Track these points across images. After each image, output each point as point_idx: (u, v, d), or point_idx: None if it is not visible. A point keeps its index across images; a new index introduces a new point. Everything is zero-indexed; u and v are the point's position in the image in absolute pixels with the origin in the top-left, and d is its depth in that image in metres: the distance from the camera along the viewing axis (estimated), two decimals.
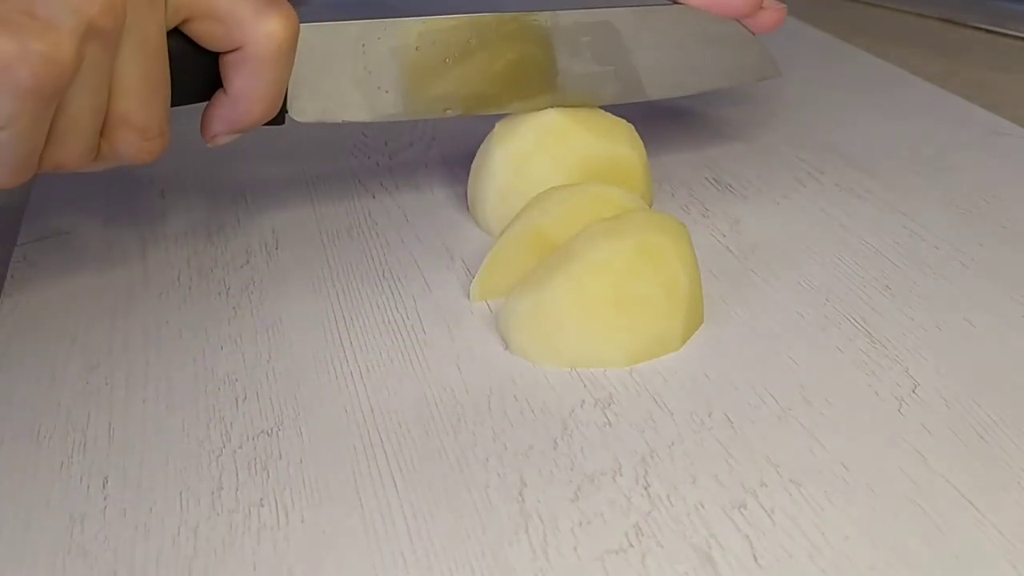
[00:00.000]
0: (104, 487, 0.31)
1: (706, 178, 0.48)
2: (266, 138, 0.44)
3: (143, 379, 0.36)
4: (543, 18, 0.42)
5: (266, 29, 0.34)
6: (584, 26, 0.42)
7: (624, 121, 0.44)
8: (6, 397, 0.35)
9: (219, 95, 0.37)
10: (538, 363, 0.35)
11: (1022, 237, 0.42)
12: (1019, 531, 0.28)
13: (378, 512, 0.29)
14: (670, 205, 0.46)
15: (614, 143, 0.43)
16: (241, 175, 0.50)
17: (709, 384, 0.34)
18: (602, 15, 0.42)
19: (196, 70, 0.36)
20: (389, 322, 0.38)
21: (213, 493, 0.30)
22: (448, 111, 0.42)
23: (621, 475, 0.30)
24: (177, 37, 0.35)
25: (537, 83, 0.43)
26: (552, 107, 0.43)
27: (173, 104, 0.35)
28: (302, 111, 0.40)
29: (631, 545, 0.28)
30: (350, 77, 0.40)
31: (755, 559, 0.27)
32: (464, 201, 0.46)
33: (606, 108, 0.44)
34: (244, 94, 0.36)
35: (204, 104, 0.38)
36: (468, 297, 0.39)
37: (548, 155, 0.42)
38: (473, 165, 0.44)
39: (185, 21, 0.34)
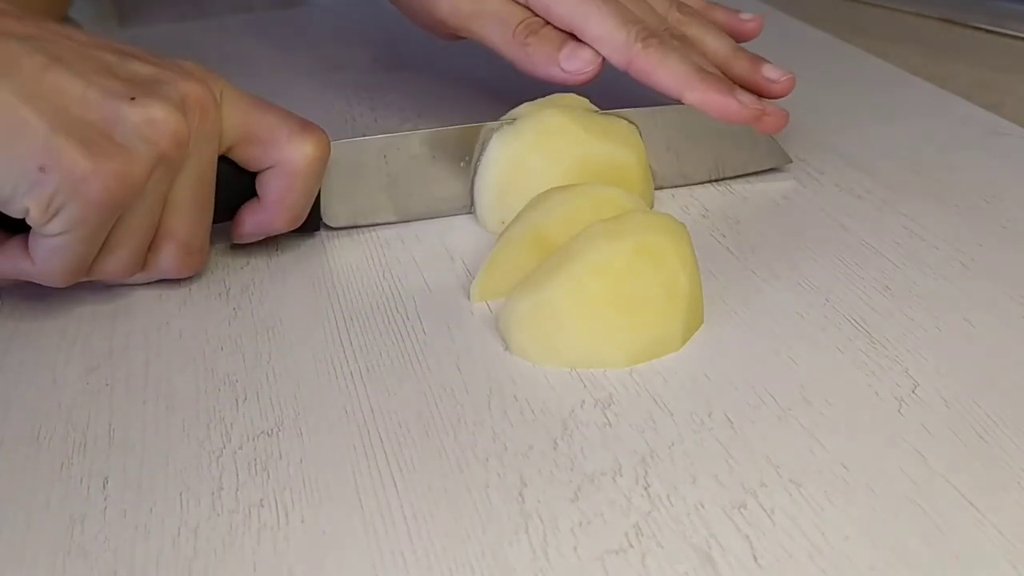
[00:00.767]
0: (104, 488, 0.31)
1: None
2: None
3: (143, 380, 0.36)
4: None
5: (301, 150, 0.39)
6: None
7: (624, 121, 0.44)
8: (6, 397, 0.35)
9: (253, 201, 0.41)
10: (538, 363, 0.35)
11: (1022, 237, 0.42)
12: (1019, 531, 0.28)
13: (378, 512, 0.29)
14: (670, 205, 0.46)
15: (612, 144, 0.43)
16: None
17: (709, 384, 0.34)
18: (613, 115, 0.45)
19: (234, 191, 0.40)
20: (389, 322, 0.38)
21: (213, 493, 0.30)
22: (470, 208, 0.45)
23: (621, 475, 0.30)
24: (221, 161, 0.39)
25: None
26: None
27: (213, 221, 0.40)
28: (335, 217, 0.44)
29: (631, 545, 0.28)
30: (376, 184, 0.44)
31: (755, 559, 0.27)
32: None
33: (608, 110, 0.45)
34: (276, 201, 0.40)
35: None
36: (468, 297, 0.39)
37: (546, 155, 0.42)
38: (473, 164, 0.44)
39: (231, 147, 0.39)
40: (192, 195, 0.38)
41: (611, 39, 0.44)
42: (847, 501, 0.29)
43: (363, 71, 0.64)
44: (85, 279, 0.37)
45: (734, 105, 0.43)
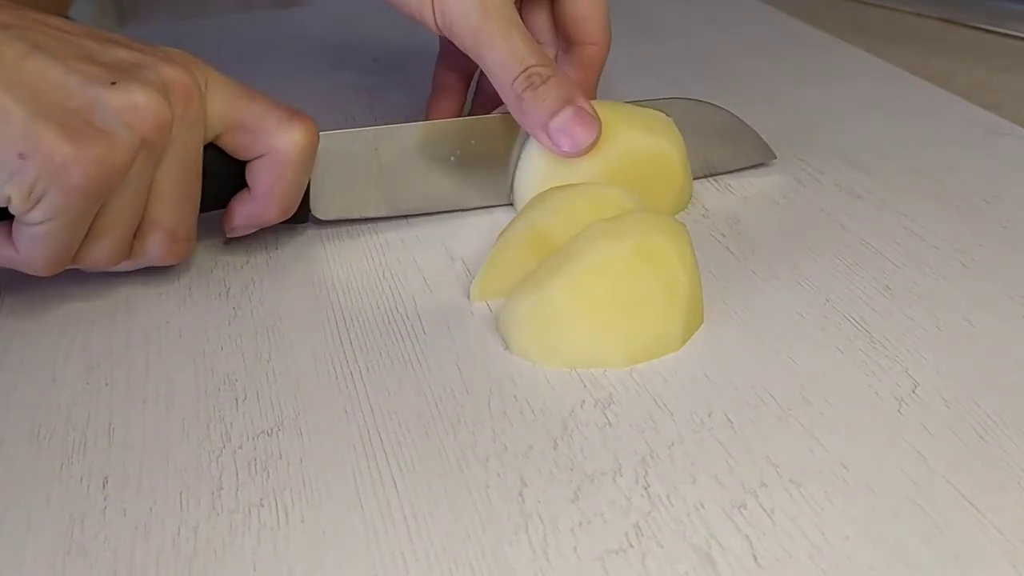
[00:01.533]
0: (104, 487, 0.31)
1: (706, 178, 0.48)
2: None
3: (143, 379, 0.36)
4: None
5: (289, 138, 0.38)
6: None
7: (662, 114, 0.44)
8: (6, 397, 0.35)
9: (243, 193, 0.40)
10: (538, 363, 0.35)
11: (1022, 237, 0.42)
12: (1019, 531, 0.28)
13: (378, 512, 0.29)
14: None
15: (654, 136, 0.43)
16: None
17: (709, 384, 0.34)
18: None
19: (223, 180, 0.40)
20: (389, 322, 0.38)
21: (213, 493, 0.30)
22: (460, 203, 0.45)
23: (621, 475, 0.30)
24: (208, 149, 0.38)
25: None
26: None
27: (201, 210, 0.39)
28: (324, 210, 0.43)
29: (631, 545, 0.28)
30: (366, 176, 0.43)
31: (755, 559, 0.27)
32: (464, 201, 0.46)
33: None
34: (266, 193, 0.40)
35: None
36: (468, 297, 0.39)
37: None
38: (514, 157, 0.44)
39: (218, 135, 0.38)
40: (177, 182, 0.37)
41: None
42: (847, 501, 0.29)
43: (363, 71, 0.64)
44: (71, 267, 0.37)
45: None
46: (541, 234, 0.38)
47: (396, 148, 0.43)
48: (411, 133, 0.43)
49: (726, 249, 0.42)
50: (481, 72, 0.47)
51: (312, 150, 0.39)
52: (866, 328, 0.37)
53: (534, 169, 0.43)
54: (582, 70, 0.46)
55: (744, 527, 0.28)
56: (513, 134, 0.44)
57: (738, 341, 0.36)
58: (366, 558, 0.28)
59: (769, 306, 0.38)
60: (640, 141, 0.42)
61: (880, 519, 0.28)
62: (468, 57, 0.43)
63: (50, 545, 0.29)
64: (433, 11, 0.42)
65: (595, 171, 0.41)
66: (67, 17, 0.81)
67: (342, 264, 0.42)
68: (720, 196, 0.46)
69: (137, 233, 0.38)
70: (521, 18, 0.43)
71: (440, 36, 0.48)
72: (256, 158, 0.39)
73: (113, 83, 0.34)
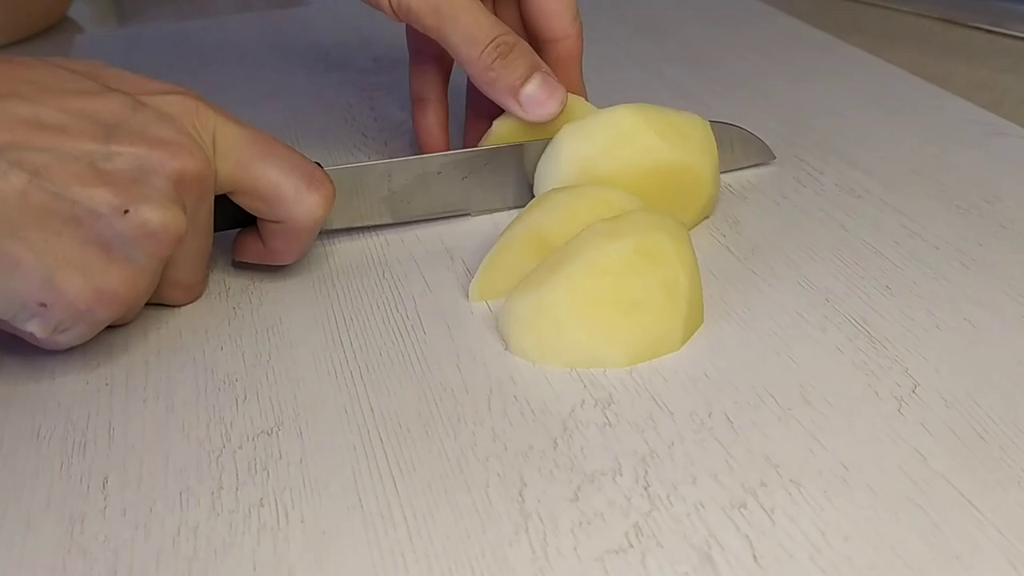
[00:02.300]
0: (104, 487, 0.31)
1: None
2: None
3: (143, 379, 0.36)
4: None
5: (307, 210, 0.37)
6: None
7: (699, 118, 0.43)
8: (6, 397, 0.35)
9: (255, 239, 0.40)
10: (538, 363, 0.35)
11: (1022, 237, 0.42)
12: (1019, 531, 0.28)
13: (378, 512, 0.29)
14: None
15: (686, 151, 0.41)
16: None
17: (709, 384, 0.34)
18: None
19: (232, 209, 0.39)
20: (389, 322, 0.38)
21: (213, 493, 0.30)
22: (464, 211, 0.45)
23: (621, 475, 0.30)
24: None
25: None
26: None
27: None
28: (329, 222, 0.43)
29: (631, 545, 0.28)
30: (376, 197, 0.43)
31: (755, 559, 0.27)
32: None
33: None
34: (280, 251, 0.39)
35: None
36: (468, 297, 0.39)
37: (617, 161, 0.41)
38: (539, 162, 0.44)
39: (231, 193, 0.38)
40: (192, 251, 0.37)
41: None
42: (847, 501, 0.29)
43: (363, 71, 0.64)
44: None
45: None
46: (541, 234, 0.38)
47: (408, 175, 0.43)
48: (424, 164, 0.43)
49: (726, 249, 0.42)
50: (469, 83, 0.46)
51: (327, 212, 0.38)
52: (866, 328, 0.37)
53: (560, 176, 0.42)
54: (560, 67, 0.45)
55: (744, 527, 0.28)
56: (530, 156, 0.44)
57: (738, 341, 0.36)
58: (366, 558, 0.28)
59: (769, 306, 0.38)
60: (672, 156, 0.41)
61: (880, 519, 0.28)
62: (438, 52, 0.43)
63: (50, 545, 0.29)
64: None
65: (623, 185, 0.40)
66: (66, 17, 0.81)
67: (342, 264, 0.42)
68: (720, 196, 0.46)
69: (155, 290, 0.37)
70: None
71: (408, 36, 0.48)
72: (270, 222, 0.38)
73: (125, 211, 0.32)
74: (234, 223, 0.40)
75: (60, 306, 0.33)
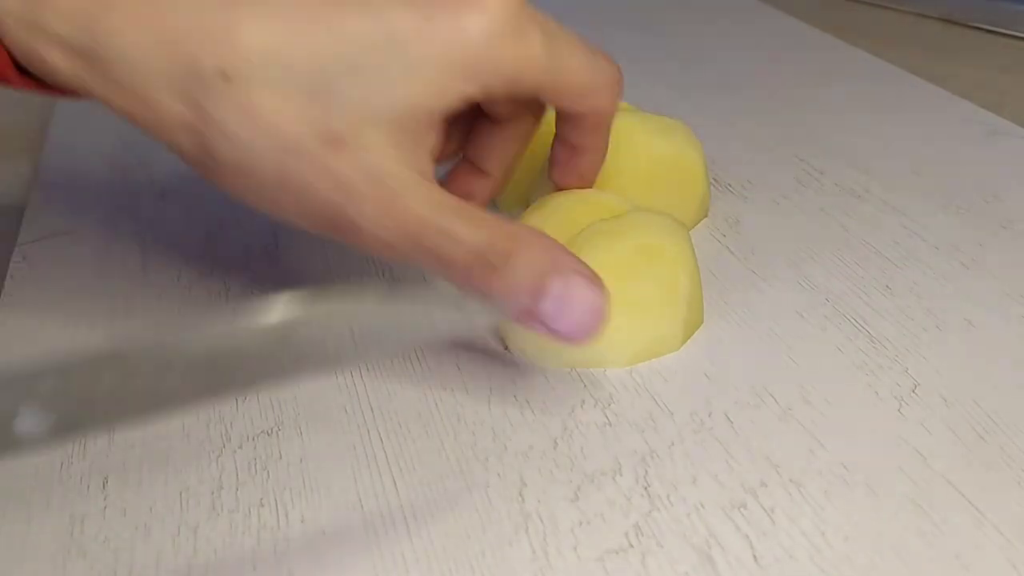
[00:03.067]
0: (104, 487, 0.31)
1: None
2: None
3: None
4: None
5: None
6: None
7: (679, 121, 0.43)
8: None
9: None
10: (538, 363, 0.35)
11: (1022, 237, 0.42)
12: (1019, 531, 0.28)
13: (378, 512, 0.29)
14: None
15: (677, 146, 0.42)
16: None
17: (709, 384, 0.34)
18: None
19: None
20: None
21: (213, 493, 0.30)
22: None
23: (621, 475, 0.30)
24: None
25: None
26: None
27: None
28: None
29: (631, 545, 0.28)
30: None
31: (755, 559, 0.27)
32: None
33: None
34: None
35: None
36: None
37: (612, 162, 0.40)
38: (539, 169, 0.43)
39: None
40: None
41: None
42: (847, 501, 0.29)
43: None
44: None
45: None
46: None
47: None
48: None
49: (726, 249, 0.42)
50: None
51: None
52: (866, 328, 0.37)
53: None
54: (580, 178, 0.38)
55: (744, 527, 0.28)
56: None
57: (738, 341, 0.36)
58: (366, 558, 0.28)
59: (769, 306, 0.38)
60: (666, 148, 0.41)
61: (880, 519, 0.28)
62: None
63: (50, 545, 0.29)
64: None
65: (620, 180, 0.40)
66: None
67: (342, 264, 0.42)
68: (720, 196, 0.46)
69: None
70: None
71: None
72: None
73: None
74: None
75: None
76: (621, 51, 0.57)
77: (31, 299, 0.40)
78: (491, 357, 0.36)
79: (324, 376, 0.34)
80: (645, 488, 0.30)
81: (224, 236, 0.44)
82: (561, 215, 0.38)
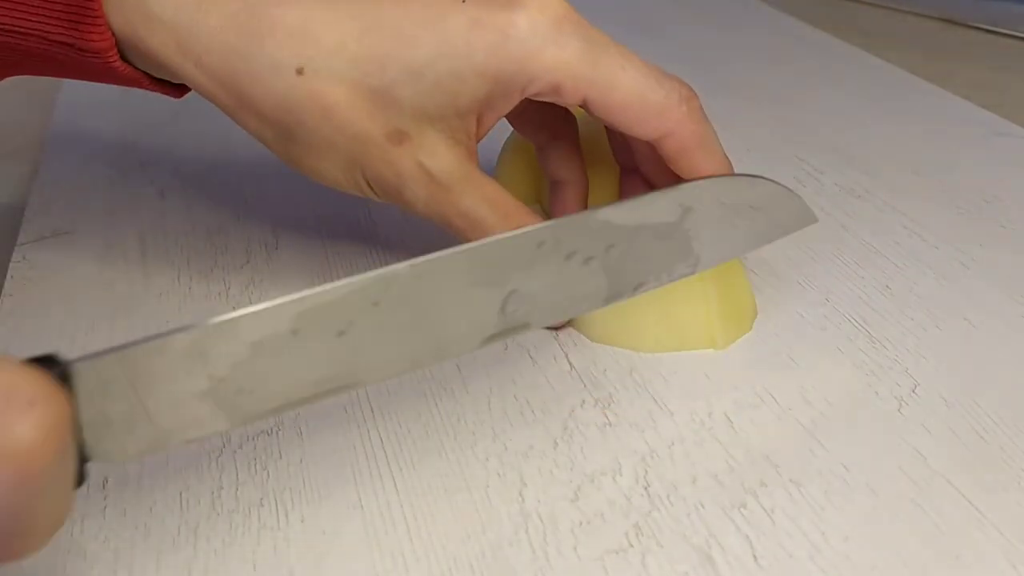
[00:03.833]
0: (104, 487, 0.31)
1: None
2: None
3: None
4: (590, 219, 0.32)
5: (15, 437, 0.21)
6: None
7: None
8: None
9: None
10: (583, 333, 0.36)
11: (1022, 237, 0.42)
12: (1019, 531, 0.28)
13: (378, 512, 0.29)
14: None
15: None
16: (241, 175, 0.50)
17: (709, 384, 0.34)
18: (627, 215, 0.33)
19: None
20: None
21: (213, 493, 0.30)
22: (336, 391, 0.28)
23: (621, 475, 0.30)
24: None
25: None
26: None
27: None
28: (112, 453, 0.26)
29: (631, 545, 0.28)
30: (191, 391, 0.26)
31: (755, 559, 0.27)
32: None
33: None
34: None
35: None
36: None
37: (607, 158, 0.41)
38: (496, 172, 0.43)
39: None
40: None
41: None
42: (847, 501, 0.29)
43: None
44: None
45: None
46: None
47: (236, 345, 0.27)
48: (255, 324, 0.27)
49: None
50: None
51: (44, 457, 0.22)
52: (866, 328, 0.37)
53: (513, 184, 0.41)
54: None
55: (744, 527, 0.28)
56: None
57: (738, 341, 0.36)
58: (366, 558, 0.28)
59: (769, 306, 0.38)
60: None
61: (880, 519, 0.28)
62: (573, 131, 0.39)
63: (50, 545, 0.29)
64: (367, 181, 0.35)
65: (612, 185, 0.40)
66: None
67: (342, 263, 0.42)
68: None
69: None
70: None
71: (528, 120, 0.40)
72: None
73: None
74: None
75: None
76: None
77: (31, 299, 0.40)
78: (491, 357, 0.36)
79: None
80: (645, 488, 0.30)
81: (224, 236, 0.44)
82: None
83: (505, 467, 0.31)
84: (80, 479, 0.24)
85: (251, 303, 0.39)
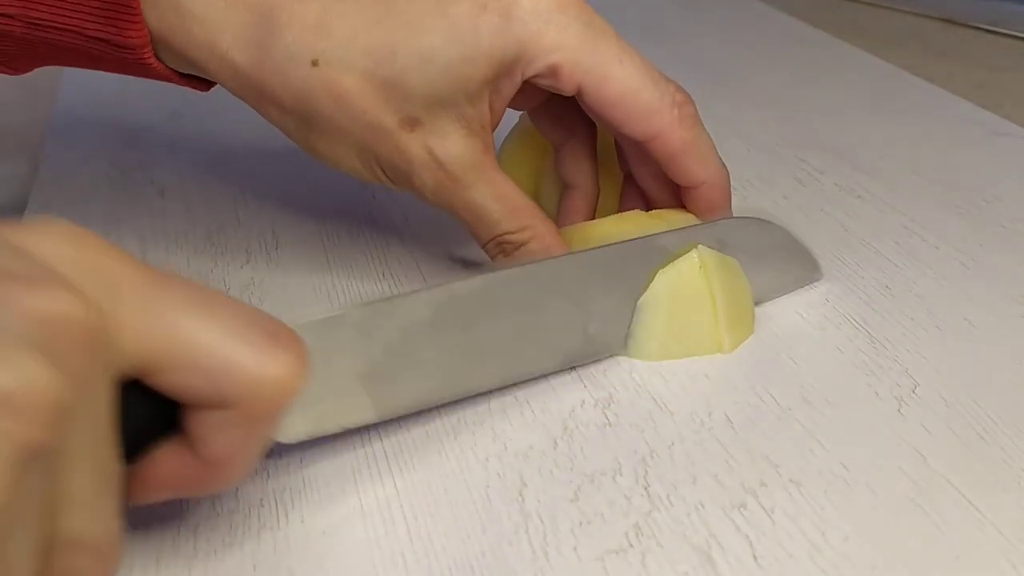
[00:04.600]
0: None
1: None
2: (265, 137, 0.44)
3: None
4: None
5: (270, 383, 0.24)
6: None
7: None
8: None
9: (176, 450, 0.25)
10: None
11: (1022, 237, 0.42)
12: (1019, 531, 0.28)
13: (378, 512, 0.29)
14: None
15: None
16: (241, 175, 0.50)
17: (709, 384, 0.34)
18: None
19: (145, 422, 0.25)
20: None
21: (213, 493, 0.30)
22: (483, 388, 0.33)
23: (621, 475, 0.30)
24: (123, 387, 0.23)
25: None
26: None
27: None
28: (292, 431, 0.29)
29: (631, 545, 0.28)
30: (353, 373, 0.29)
31: (755, 559, 0.27)
32: None
33: None
34: (223, 458, 0.25)
35: None
36: None
37: (611, 163, 0.41)
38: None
39: (146, 374, 0.23)
40: (89, 479, 0.22)
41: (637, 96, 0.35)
42: (847, 501, 0.29)
43: None
44: None
45: None
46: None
47: (401, 325, 0.30)
48: (422, 305, 0.30)
49: None
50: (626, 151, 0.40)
51: (303, 378, 0.25)
52: (866, 328, 0.37)
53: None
54: (703, 215, 0.38)
55: (744, 527, 0.28)
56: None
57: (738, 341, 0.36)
58: (366, 558, 0.28)
59: (769, 306, 0.38)
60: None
61: (880, 519, 0.28)
62: (590, 135, 0.39)
63: None
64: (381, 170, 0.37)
65: (614, 188, 0.41)
66: None
67: (342, 263, 0.42)
68: None
69: (51, 565, 0.22)
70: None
71: (550, 122, 0.41)
72: (207, 408, 0.24)
73: None
74: (139, 438, 0.25)
75: None
76: None
77: None
78: None
79: None
80: (645, 488, 0.30)
81: (224, 236, 0.44)
82: (632, 227, 0.37)
83: (505, 467, 0.31)
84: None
85: (250, 303, 0.39)
